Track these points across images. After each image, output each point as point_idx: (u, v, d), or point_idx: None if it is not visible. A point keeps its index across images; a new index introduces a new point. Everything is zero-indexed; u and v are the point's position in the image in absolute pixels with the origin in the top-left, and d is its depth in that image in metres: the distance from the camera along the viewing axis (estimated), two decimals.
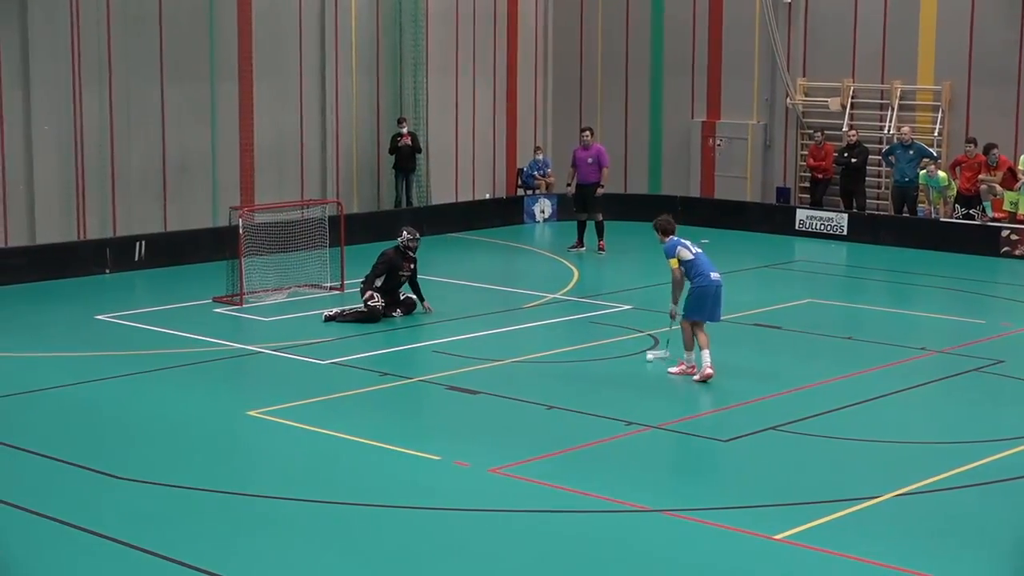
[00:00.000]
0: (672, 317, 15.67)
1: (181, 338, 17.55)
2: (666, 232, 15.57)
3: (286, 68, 25.67)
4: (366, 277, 18.70)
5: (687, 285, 15.50)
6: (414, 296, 19.00)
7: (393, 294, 18.77)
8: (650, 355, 16.37)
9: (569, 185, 25.02)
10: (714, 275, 15.42)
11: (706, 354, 15.29)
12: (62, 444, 12.99)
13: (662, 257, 15.66)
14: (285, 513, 11.18)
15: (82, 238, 22.92)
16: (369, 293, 18.47)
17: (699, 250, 15.57)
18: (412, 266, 18.88)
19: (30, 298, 20.44)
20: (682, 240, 15.56)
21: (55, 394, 14.93)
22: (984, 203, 24.69)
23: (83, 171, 22.95)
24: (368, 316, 18.35)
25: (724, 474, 12.42)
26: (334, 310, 18.62)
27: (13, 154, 22.23)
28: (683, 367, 15.58)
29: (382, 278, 18.63)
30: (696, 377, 15.37)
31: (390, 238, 25.47)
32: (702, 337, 15.39)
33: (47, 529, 10.77)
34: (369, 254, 23.18)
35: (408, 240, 18.87)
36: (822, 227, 26.41)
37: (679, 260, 15.39)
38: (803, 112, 27.59)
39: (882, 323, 19.23)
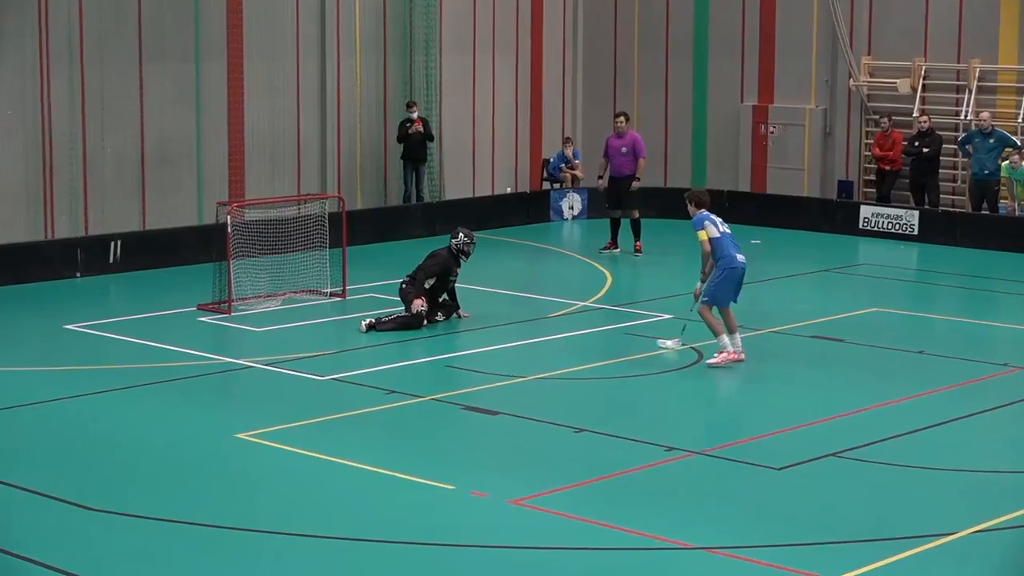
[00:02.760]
0: (696, 298, 16.84)
1: (161, 350, 17.60)
2: (699, 204, 16.96)
3: (280, 46, 25.74)
4: (412, 278, 18.71)
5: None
6: (449, 300, 19.17)
7: (436, 299, 18.86)
8: (662, 343, 17.31)
9: (601, 178, 25.02)
10: (740, 257, 16.67)
11: (737, 338, 16.63)
12: (26, 470, 13.02)
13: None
14: (278, 549, 11.20)
15: (49, 238, 23.01)
16: (420, 300, 18.50)
17: (727, 230, 16.80)
18: (458, 270, 18.99)
19: None
20: (711, 215, 16.86)
21: (18, 413, 14.96)
22: None
23: (51, 162, 23.03)
24: (412, 322, 18.45)
25: (776, 507, 12.39)
26: (371, 318, 18.62)
27: None
28: (724, 356, 16.50)
29: (432, 280, 18.68)
30: (719, 359, 16.43)
31: (397, 237, 25.75)
32: (731, 319, 16.48)
33: (9, 567, 10.78)
34: (374, 255, 23.21)
35: (464, 243, 18.98)
36: (890, 226, 26.37)
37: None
38: (868, 95, 27.55)
39: (958, 335, 19.18)
